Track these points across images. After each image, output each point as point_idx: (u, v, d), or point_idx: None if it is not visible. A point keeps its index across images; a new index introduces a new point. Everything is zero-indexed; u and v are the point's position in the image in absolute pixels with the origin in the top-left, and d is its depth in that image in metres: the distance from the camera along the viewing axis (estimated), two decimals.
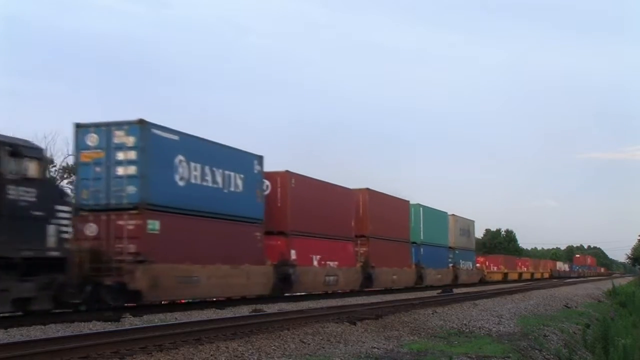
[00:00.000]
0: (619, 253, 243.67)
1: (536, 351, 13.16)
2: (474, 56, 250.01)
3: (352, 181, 33.51)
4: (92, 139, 17.66)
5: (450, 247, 43.49)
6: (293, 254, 23.77)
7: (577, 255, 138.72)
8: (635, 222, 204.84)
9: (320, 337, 11.68)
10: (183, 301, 18.71)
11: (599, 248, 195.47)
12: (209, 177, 19.74)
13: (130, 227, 17.03)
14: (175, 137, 18.65)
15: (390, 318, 15.51)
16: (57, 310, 14.69)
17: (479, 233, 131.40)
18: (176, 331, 10.57)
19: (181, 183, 18.62)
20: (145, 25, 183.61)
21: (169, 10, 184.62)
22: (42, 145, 22.71)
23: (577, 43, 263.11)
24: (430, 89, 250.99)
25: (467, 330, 14.82)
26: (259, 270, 21.43)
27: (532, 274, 76.38)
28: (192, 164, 19.04)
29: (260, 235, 21.96)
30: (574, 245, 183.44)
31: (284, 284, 23.14)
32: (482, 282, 50.69)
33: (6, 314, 13.46)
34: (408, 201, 36.50)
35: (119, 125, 17.64)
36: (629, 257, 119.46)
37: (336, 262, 27.08)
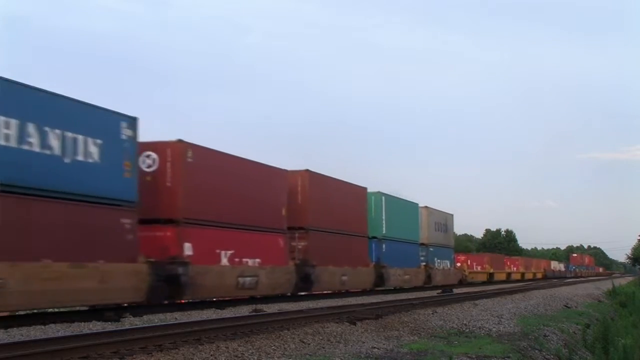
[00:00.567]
0: (619, 253, 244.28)
1: (536, 351, 13.16)
2: (474, 56, 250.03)
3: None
4: None
5: (422, 244, 37.87)
6: (187, 249, 18.05)
7: (574, 255, 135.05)
8: (635, 222, 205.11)
9: (320, 337, 11.69)
10: (183, 301, 18.53)
11: (599, 248, 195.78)
12: (34, 139, 13.75)
13: None
14: None
15: (390, 318, 15.52)
16: (57, 310, 14.71)
17: (478, 233, 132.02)
18: (176, 331, 10.58)
19: None
20: (145, 26, 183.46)
21: (169, 10, 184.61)
22: None
23: (578, 43, 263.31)
24: (430, 89, 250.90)
25: (467, 330, 14.82)
26: (123, 269, 15.70)
27: (523, 274, 71.00)
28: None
29: (130, 222, 16.20)
30: (574, 245, 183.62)
31: (171, 287, 17.27)
32: (463, 283, 45.27)
33: (6, 314, 13.45)
34: (365, 188, 30.38)
35: None
36: (629, 257, 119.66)
37: (258, 260, 21.09)
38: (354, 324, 13.80)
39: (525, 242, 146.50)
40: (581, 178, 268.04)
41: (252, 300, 20.82)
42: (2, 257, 12.68)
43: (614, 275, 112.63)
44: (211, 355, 9.20)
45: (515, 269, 69.31)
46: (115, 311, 15.10)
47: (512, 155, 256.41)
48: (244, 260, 20.48)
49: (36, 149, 13.84)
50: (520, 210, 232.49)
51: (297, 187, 24.35)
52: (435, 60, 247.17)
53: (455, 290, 32.52)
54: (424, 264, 37.75)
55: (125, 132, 16.55)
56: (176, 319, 14.43)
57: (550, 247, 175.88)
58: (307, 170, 24.88)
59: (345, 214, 27.66)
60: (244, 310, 17.14)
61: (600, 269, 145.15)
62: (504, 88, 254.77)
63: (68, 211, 14.51)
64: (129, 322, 13.84)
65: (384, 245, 31.44)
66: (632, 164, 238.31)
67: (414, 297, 23.89)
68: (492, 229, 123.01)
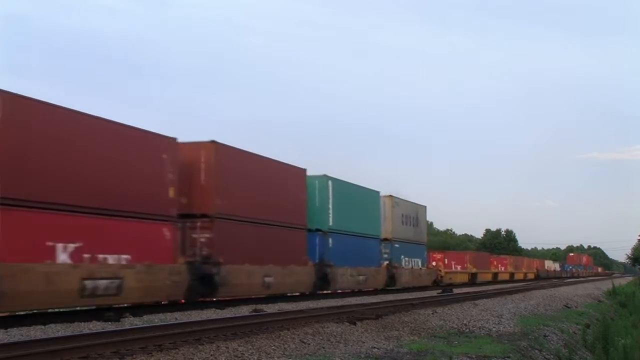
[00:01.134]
0: (619, 253, 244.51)
1: (536, 351, 13.17)
2: (474, 56, 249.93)
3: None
4: None
5: (385, 239, 32.12)
6: None
7: (571, 254, 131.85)
8: (635, 222, 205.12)
9: (320, 337, 11.69)
10: (183, 301, 18.57)
11: (599, 248, 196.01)
12: None
13: None
14: None
15: (390, 318, 15.53)
16: (57, 310, 14.71)
17: (478, 233, 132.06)
18: (176, 331, 10.58)
19: None
20: (145, 26, 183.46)
21: (169, 10, 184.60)
22: None
23: (578, 43, 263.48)
24: (430, 89, 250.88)
25: (467, 330, 14.83)
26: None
27: (512, 275, 64.74)
28: None
29: None
30: (574, 245, 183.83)
31: None
32: (438, 285, 40.01)
33: (5, 314, 13.45)
34: (304, 170, 24.63)
35: None
36: (629, 257, 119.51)
37: (127, 256, 15.84)
38: (354, 324, 13.81)
39: (525, 242, 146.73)
40: (581, 178, 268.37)
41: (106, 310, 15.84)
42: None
43: (614, 275, 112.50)
44: (211, 355, 9.20)
45: (503, 268, 63.28)
46: (115, 311, 15.12)
47: (512, 155, 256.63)
48: (99, 256, 15.12)
49: None
50: (520, 210, 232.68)
51: (200, 164, 19.06)
52: (435, 60, 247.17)
53: (455, 290, 32.51)
54: (386, 262, 32.01)
55: None
56: (176, 319, 14.44)
57: (551, 247, 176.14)
58: (214, 142, 19.26)
59: (272, 200, 22.08)
60: (244, 310, 17.15)
61: (599, 269, 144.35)
62: (504, 88, 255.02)
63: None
64: (129, 322, 13.84)
65: (330, 240, 25.93)
66: (632, 164, 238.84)
67: (413, 297, 23.90)
68: (492, 229, 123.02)
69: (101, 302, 15.58)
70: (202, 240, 18.83)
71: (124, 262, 15.80)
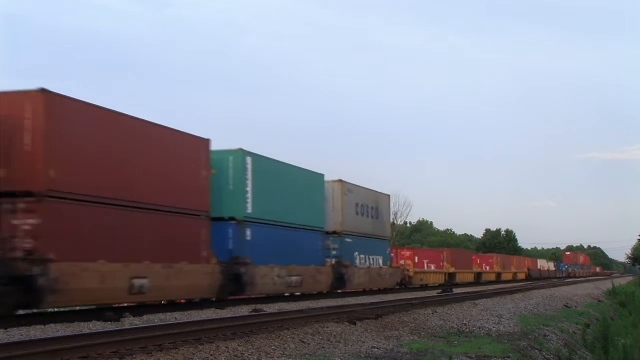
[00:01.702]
0: (619, 253, 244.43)
1: (536, 351, 13.18)
2: (474, 56, 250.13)
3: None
4: None
5: (333, 232, 26.72)
6: None
7: (567, 253, 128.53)
8: (635, 222, 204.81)
9: (320, 337, 11.69)
10: (183, 301, 18.60)
11: (599, 248, 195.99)
12: None
13: None
14: None
15: (390, 318, 15.53)
16: (57, 310, 14.71)
17: (478, 233, 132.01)
18: (176, 331, 10.57)
19: None
20: (145, 25, 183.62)
21: (169, 10, 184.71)
22: None
23: (578, 43, 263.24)
24: (430, 89, 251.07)
25: (467, 330, 14.84)
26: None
27: (499, 275, 58.52)
28: None
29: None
30: (574, 245, 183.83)
31: None
32: (404, 287, 35.28)
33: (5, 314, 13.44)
34: (207, 140, 19.01)
35: None
36: (629, 257, 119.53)
37: None
38: (354, 324, 13.81)
39: (525, 242, 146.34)
40: (581, 178, 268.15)
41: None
42: None
43: (613, 275, 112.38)
44: (211, 355, 9.20)
45: (487, 268, 56.63)
46: (115, 311, 15.13)
47: (512, 155, 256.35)
48: None
49: None
50: (520, 210, 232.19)
51: (22, 121, 13.72)
52: (435, 60, 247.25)
53: (455, 290, 32.53)
54: (333, 260, 26.48)
55: None
56: (176, 319, 14.44)
57: (551, 247, 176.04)
58: (44, 90, 13.92)
59: (150, 177, 16.71)
60: (244, 310, 17.15)
61: (598, 269, 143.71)
62: (504, 88, 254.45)
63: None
64: (129, 322, 13.85)
65: (248, 232, 20.63)
66: (632, 164, 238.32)
67: (413, 297, 23.90)
68: (492, 229, 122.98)
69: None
70: (26, 229, 13.47)
71: None
